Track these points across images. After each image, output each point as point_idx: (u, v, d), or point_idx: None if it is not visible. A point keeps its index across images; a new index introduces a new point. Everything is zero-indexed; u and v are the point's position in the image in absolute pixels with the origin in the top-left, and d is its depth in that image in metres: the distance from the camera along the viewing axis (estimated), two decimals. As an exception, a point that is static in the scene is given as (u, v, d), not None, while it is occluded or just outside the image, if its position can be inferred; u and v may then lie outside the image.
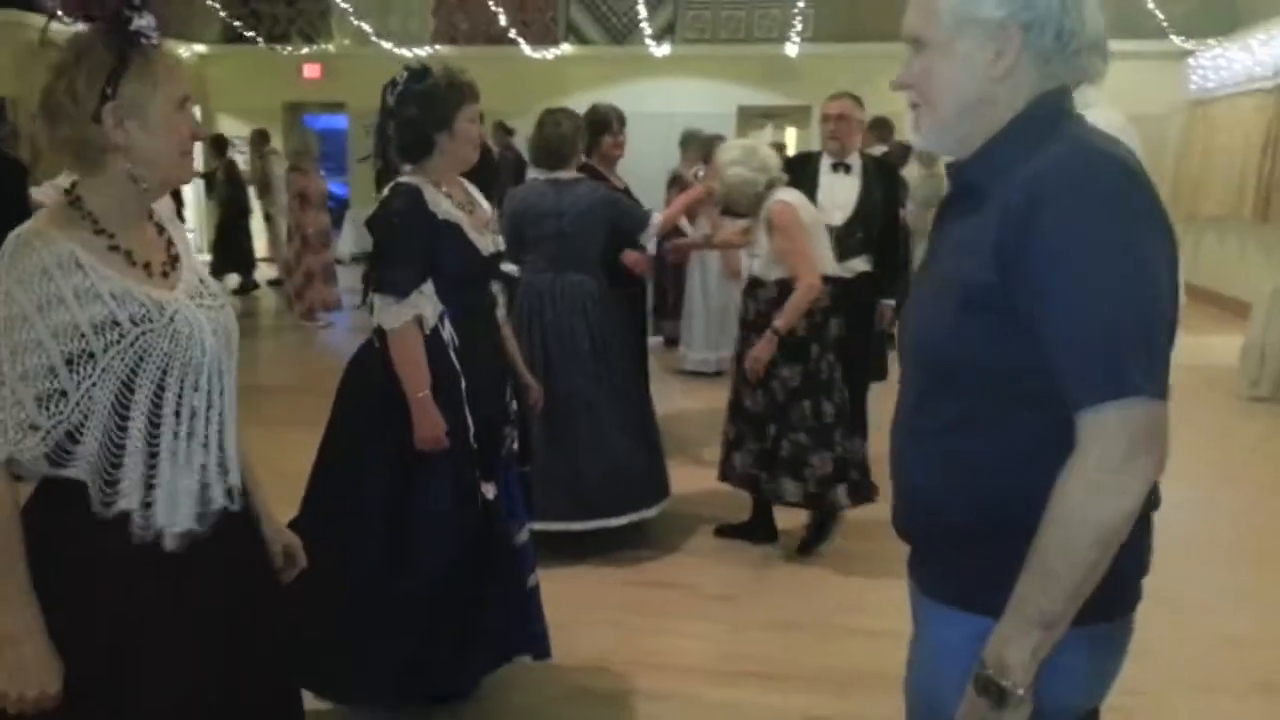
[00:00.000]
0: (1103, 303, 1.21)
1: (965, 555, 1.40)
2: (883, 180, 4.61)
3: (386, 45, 13.06)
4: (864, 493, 3.94)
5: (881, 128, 8.11)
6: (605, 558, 4.01)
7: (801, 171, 4.50)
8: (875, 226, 4.52)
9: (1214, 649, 3.30)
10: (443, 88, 2.65)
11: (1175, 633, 3.26)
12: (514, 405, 2.92)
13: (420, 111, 2.62)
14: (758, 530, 4.18)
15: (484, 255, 2.76)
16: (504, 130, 10.46)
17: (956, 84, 1.35)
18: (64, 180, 5.53)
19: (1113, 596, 1.31)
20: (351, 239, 13.04)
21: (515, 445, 2.91)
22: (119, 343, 1.48)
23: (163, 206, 1.70)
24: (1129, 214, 1.24)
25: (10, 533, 1.45)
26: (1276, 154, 8.80)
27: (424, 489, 2.61)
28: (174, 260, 1.64)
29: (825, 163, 4.57)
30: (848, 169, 4.54)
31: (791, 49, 12.66)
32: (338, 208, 11.77)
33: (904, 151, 8.18)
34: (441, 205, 2.65)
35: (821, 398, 3.83)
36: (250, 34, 13.18)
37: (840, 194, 4.50)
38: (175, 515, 1.56)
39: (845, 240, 4.43)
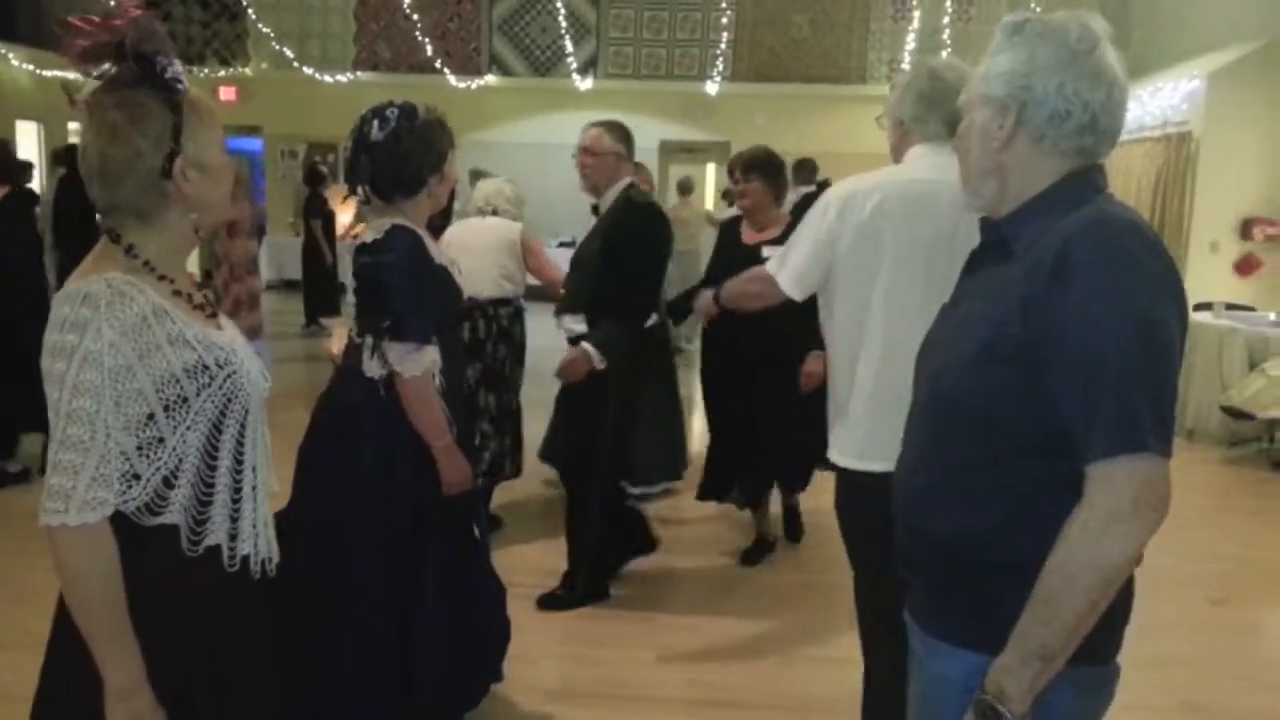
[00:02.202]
0: (1123, 364, 1.30)
1: (961, 592, 1.49)
2: (621, 230, 3.68)
3: (306, 70, 12.93)
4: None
5: (804, 169, 8.40)
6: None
7: None
8: (588, 282, 3.71)
9: (1142, 670, 3.51)
10: (436, 128, 2.60)
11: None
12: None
13: (417, 150, 2.55)
14: None
15: (464, 298, 2.80)
16: None
17: (975, 150, 1.54)
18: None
19: (1101, 642, 1.41)
20: (269, 265, 12.81)
21: (480, 481, 2.96)
22: (209, 386, 1.52)
23: None
24: (1151, 283, 1.34)
25: (118, 588, 1.45)
26: (1166, 197, 9.34)
27: (435, 538, 2.59)
28: (208, 300, 1.66)
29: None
30: (598, 212, 3.84)
31: (711, 87, 12.97)
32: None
33: (823, 188, 8.44)
34: (433, 249, 2.63)
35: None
36: (163, 55, 12.89)
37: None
38: (256, 544, 1.63)
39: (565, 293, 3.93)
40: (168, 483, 1.50)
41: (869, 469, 2.28)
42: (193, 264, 12.59)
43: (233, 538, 1.58)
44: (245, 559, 1.60)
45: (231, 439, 1.56)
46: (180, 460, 1.50)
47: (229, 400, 1.54)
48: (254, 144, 14.22)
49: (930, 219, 2.26)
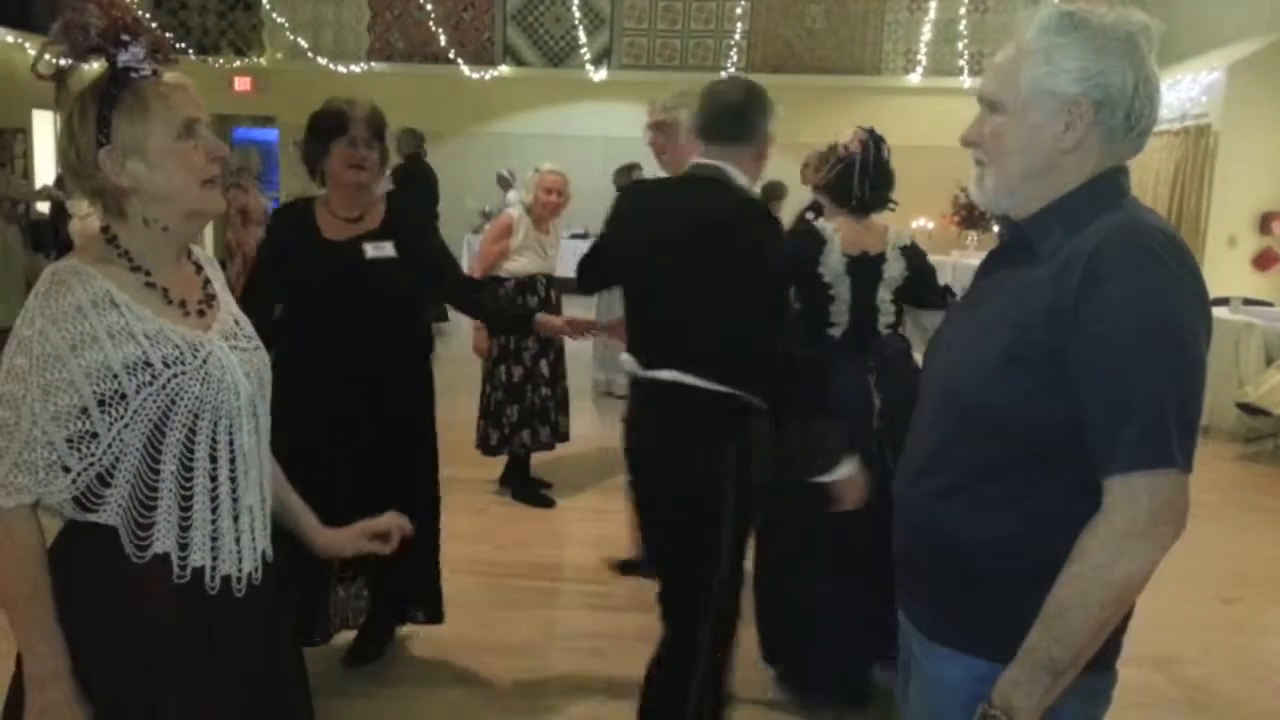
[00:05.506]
0: (1151, 378, 1.28)
1: (968, 600, 1.46)
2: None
3: (320, 60, 12.95)
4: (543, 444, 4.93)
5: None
6: (574, 587, 4.08)
7: None
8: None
9: (1151, 668, 3.49)
10: None
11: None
12: None
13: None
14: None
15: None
16: (414, 137, 10.13)
17: (1025, 150, 1.42)
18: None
19: (1108, 649, 1.39)
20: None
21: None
22: (150, 384, 1.45)
23: (199, 248, 1.68)
24: (1182, 296, 1.31)
25: (39, 576, 1.43)
26: (1185, 190, 9.28)
27: None
28: (210, 300, 1.61)
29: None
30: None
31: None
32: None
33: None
34: None
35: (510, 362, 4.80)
36: (180, 45, 12.94)
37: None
38: (216, 558, 1.53)
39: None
40: (103, 480, 1.45)
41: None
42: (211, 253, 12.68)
43: (183, 548, 1.49)
44: (198, 571, 1.51)
45: (177, 443, 1.47)
46: (117, 459, 1.44)
47: (173, 401, 1.46)
48: (270, 134, 14.25)
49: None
